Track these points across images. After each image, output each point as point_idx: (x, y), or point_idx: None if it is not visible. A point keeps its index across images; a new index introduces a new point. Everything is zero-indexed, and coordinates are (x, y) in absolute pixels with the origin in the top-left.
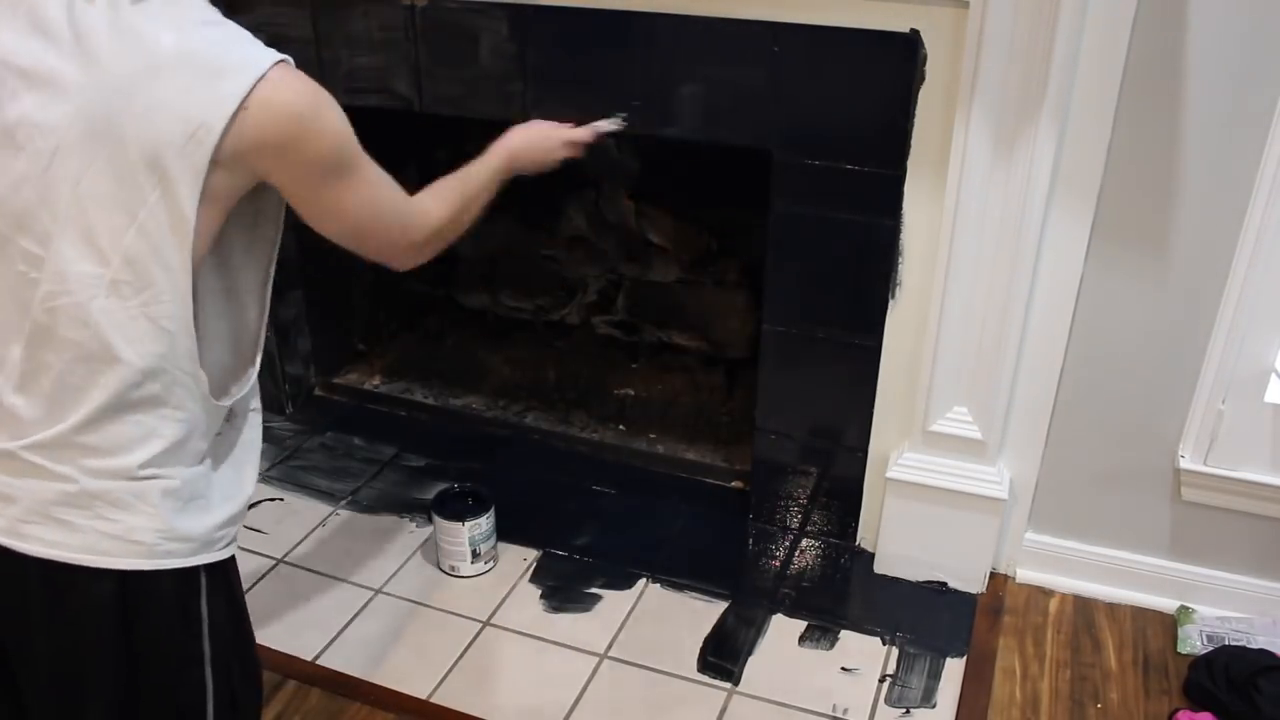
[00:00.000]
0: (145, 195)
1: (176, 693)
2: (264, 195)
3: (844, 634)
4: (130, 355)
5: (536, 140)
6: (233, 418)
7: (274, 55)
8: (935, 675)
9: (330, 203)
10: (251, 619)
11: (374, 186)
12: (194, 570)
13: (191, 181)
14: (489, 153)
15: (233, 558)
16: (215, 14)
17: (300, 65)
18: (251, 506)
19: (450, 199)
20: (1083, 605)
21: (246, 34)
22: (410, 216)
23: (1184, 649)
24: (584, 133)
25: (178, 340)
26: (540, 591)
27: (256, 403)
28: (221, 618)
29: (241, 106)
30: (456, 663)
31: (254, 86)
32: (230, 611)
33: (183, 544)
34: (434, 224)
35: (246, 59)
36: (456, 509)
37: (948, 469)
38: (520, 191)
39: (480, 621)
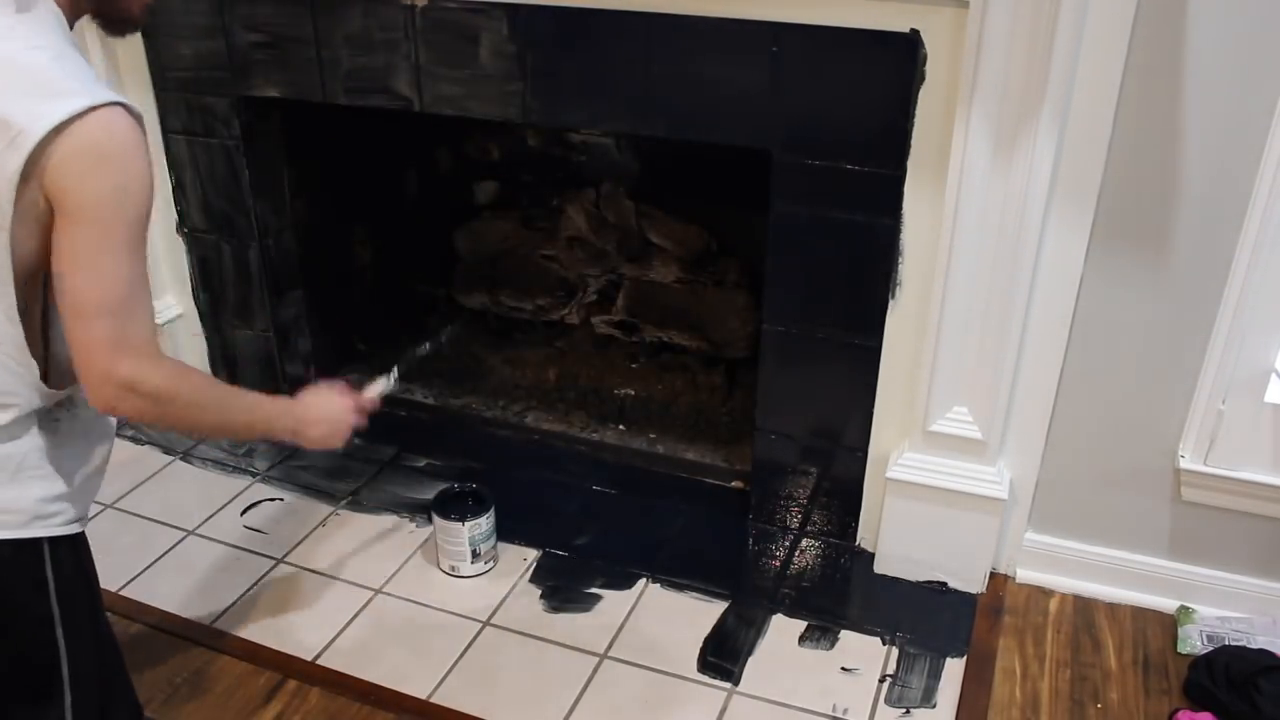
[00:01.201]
0: None
1: (29, 653)
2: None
3: (844, 634)
4: None
5: (331, 413)
6: (73, 404)
7: (114, 97)
8: (935, 675)
9: (70, 244)
10: (252, 619)
11: (118, 263)
12: (34, 540)
13: (6, 184)
14: (278, 403)
15: (82, 534)
16: (72, 48)
17: (300, 65)
18: (251, 506)
19: (197, 386)
20: (1083, 605)
21: (90, 71)
22: (137, 344)
23: (1184, 649)
24: (367, 401)
25: (3, 330)
26: (540, 591)
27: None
28: (70, 583)
29: (63, 126)
30: (456, 663)
31: (83, 113)
32: (80, 579)
33: (11, 515)
34: (155, 383)
35: (89, 90)
36: (456, 509)
37: (948, 469)
38: (520, 191)
39: (480, 621)
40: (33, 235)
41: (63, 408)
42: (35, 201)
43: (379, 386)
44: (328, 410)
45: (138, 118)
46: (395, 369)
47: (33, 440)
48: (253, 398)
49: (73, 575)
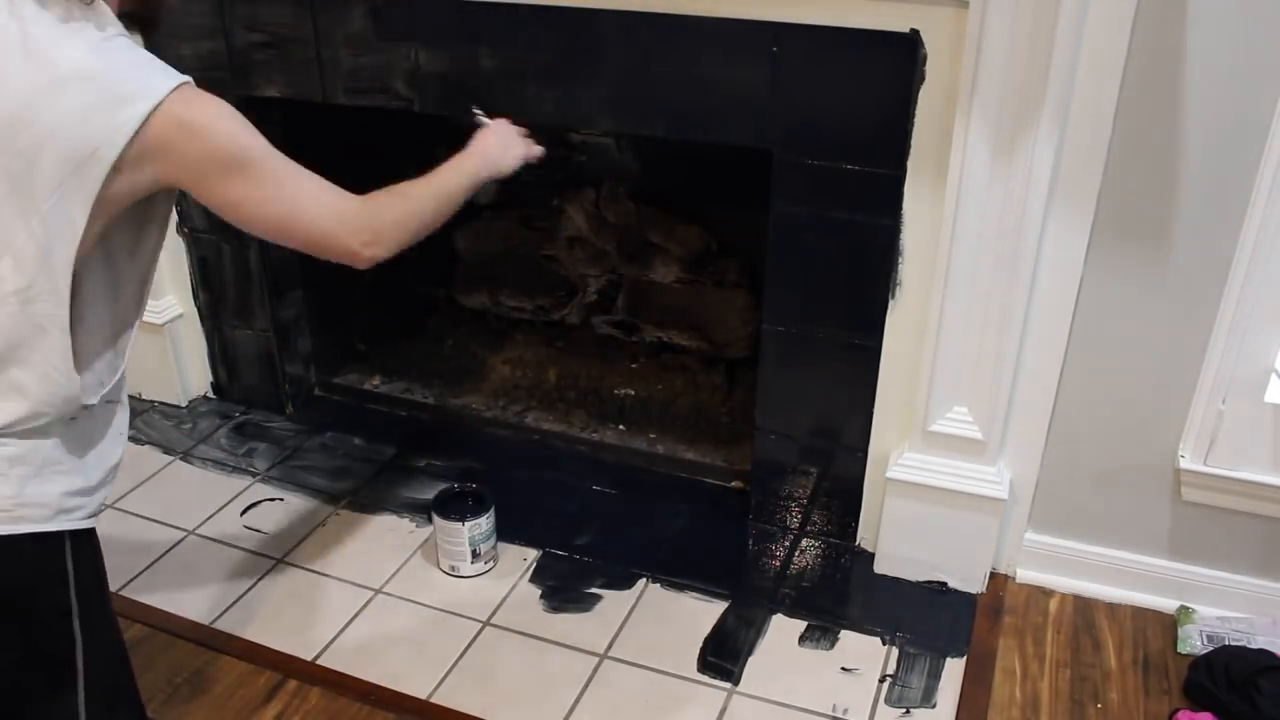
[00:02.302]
0: (39, 205)
1: (46, 644)
2: (153, 202)
3: (844, 634)
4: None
5: (506, 145)
6: (108, 402)
7: (174, 80)
8: (935, 675)
9: (234, 198)
10: (252, 619)
11: (281, 182)
12: (56, 533)
13: (85, 198)
14: (457, 158)
15: (94, 530)
16: (124, 39)
17: (300, 65)
18: (251, 506)
19: (410, 194)
20: (1083, 605)
21: (152, 58)
22: (341, 211)
23: (1184, 649)
24: (537, 149)
25: (50, 337)
26: (540, 591)
27: (124, 396)
28: (87, 576)
29: (141, 128)
30: (456, 663)
31: (151, 113)
32: (95, 573)
33: (36, 509)
34: (384, 216)
35: (148, 86)
36: (456, 509)
37: (948, 469)
38: (520, 192)
39: (480, 621)
40: (98, 222)
41: (89, 402)
42: (121, 189)
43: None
44: (502, 138)
45: (194, 86)
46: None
47: (59, 437)
48: (449, 167)
49: (90, 568)
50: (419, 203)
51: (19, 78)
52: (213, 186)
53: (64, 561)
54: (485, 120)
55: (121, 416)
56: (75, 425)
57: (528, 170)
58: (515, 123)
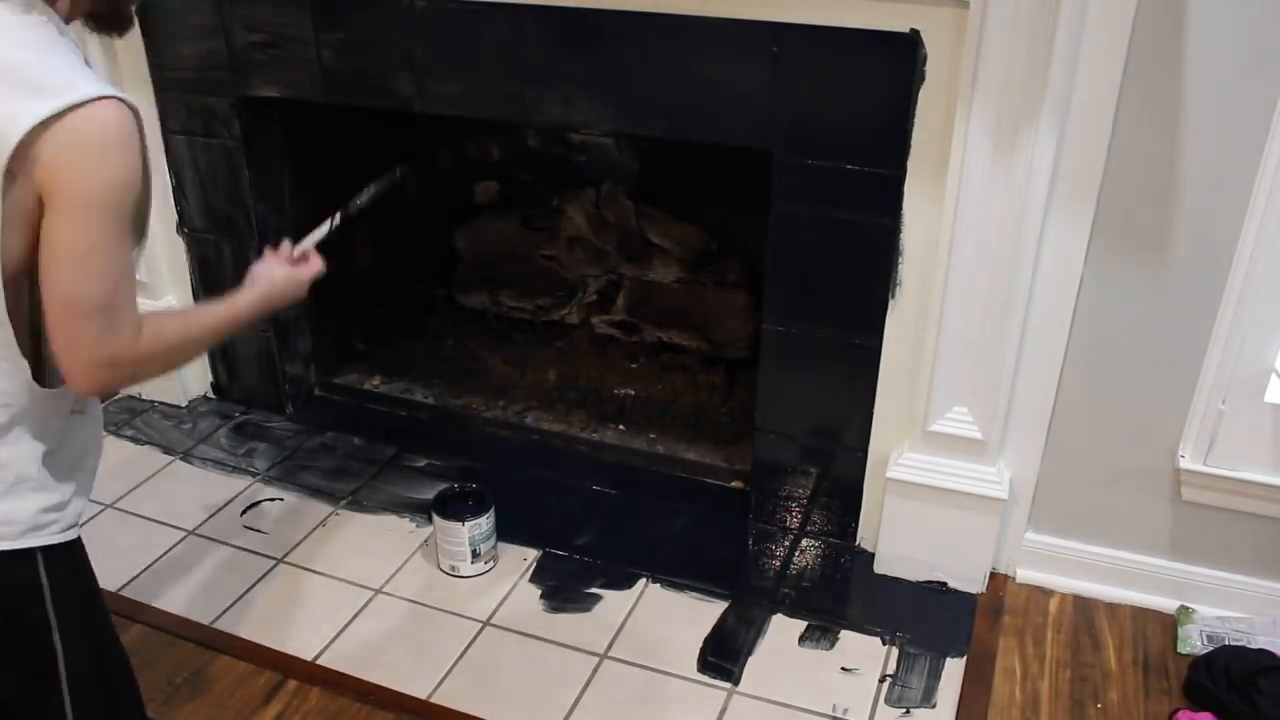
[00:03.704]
0: None
1: (27, 659)
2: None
3: (844, 634)
4: None
5: (282, 279)
6: (76, 413)
7: (104, 90)
8: (935, 675)
9: (54, 234)
10: (252, 619)
11: (110, 260)
12: (28, 549)
13: None
14: (238, 299)
15: (74, 542)
16: (67, 42)
17: (300, 65)
18: (251, 506)
19: (168, 334)
20: (1083, 605)
21: (86, 68)
22: (124, 325)
23: (1184, 649)
24: (316, 263)
25: None
26: (540, 591)
27: (93, 408)
28: (67, 588)
29: (46, 124)
30: (456, 663)
31: (67, 110)
32: (77, 584)
33: (7, 527)
34: (134, 349)
35: (75, 86)
36: (456, 509)
37: (948, 469)
38: (520, 191)
39: (480, 621)
40: (20, 234)
41: (58, 413)
42: (24, 200)
43: (318, 234)
44: (279, 279)
45: (133, 110)
46: (337, 215)
47: (30, 448)
48: (215, 312)
49: (68, 579)
50: (185, 346)
51: None
52: (55, 215)
53: (37, 576)
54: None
55: (94, 429)
56: (45, 437)
57: (530, 173)
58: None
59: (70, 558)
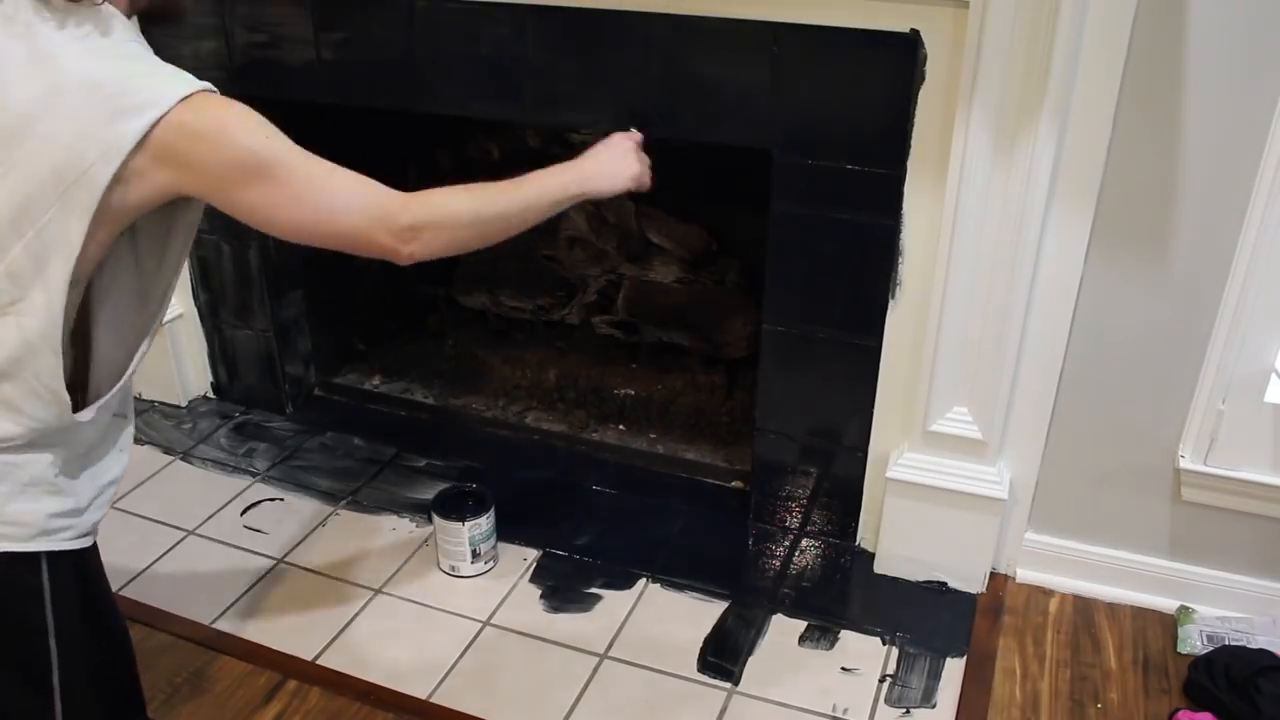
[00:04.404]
0: (36, 218)
1: (20, 662)
2: (177, 208)
3: (844, 634)
4: None
5: (619, 164)
6: (99, 422)
7: (184, 89)
8: (935, 675)
9: (256, 203)
10: (252, 619)
11: (306, 183)
12: (32, 553)
13: (83, 211)
14: (563, 166)
15: (86, 550)
16: (136, 45)
17: (300, 65)
18: (251, 506)
19: (475, 194)
20: (1083, 605)
21: (162, 65)
22: (377, 207)
23: (1184, 649)
24: (648, 180)
25: (40, 355)
26: (540, 591)
27: (129, 410)
28: (69, 594)
29: (143, 140)
30: (456, 663)
31: (154, 125)
32: (83, 592)
33: (17, 528)
34: (431, 214)
35: (154, 96)
36: (456, 509)
37: (948, 469)
38: None
39: (480, 621)
40: (105, 237)
41: (88, 429)
42: (125, 200)
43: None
44: (617, 155)
45: (209, 93)
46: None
47: (50, 454)
48: (531, 183)
49: (73, 587)
50: (481, 205)
51: (20, 90)
52: (231, 194)
53: (39, 579)
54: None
55: (127, 431)
56: (74, 441)
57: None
58: (638, 140)
59: (79, 565)
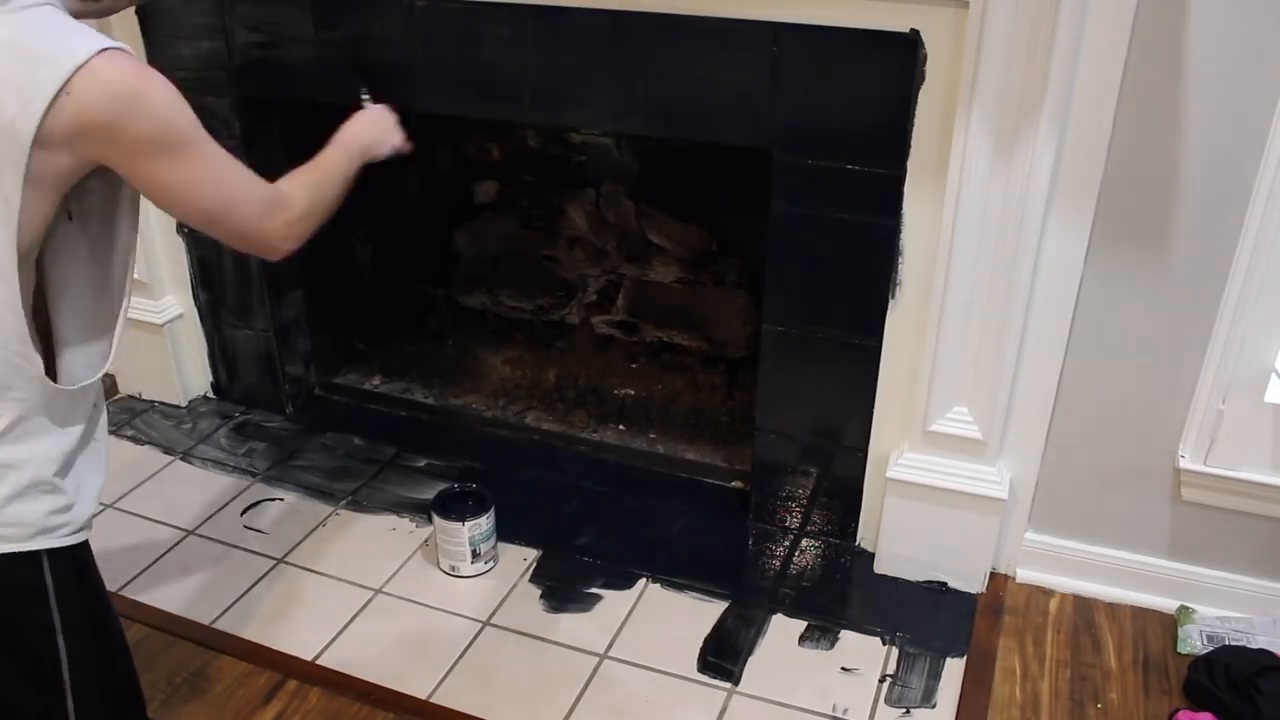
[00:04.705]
0: None
1: (30, 661)
2: (116, 192)
3: (844, 634)
4: None
5: (383, 130)
6: (77, 410)
7: (100, 43)
8: (935, 675)
9: (165, 181)
10: (252, 619)
11: (214, 167)
12: (33, 553)
13: (13, 168)
14: (339, 142)
15: (81, 545)
16: (50, 7)
17: (300, 65)
18: (251, 506)
19: (309, 182)
20: (1083, 605)
21: (78, 24)
22: (268, 200)
23: (1184, 649)
24: (406, 144)
25: (4, 321)
26: (540, 591)
27: (101, 399)
28: (70, 589)
29: (62, 92)
30: (456, 663)
31: (73, 74)
32: (82, 586)
33: (16, 529)
34: (298, 207)
35: (69, 48)
36: (456, 509)
37: (948, 469)
38: (520, 191)
39: (480, 621)
40: (45, 200)
41: (72, 411)
42: (57, 164)
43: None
44: (377, 123)
45: (128, 53)
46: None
47: (44, 448)
48: (330, 153)
49: (73, 581)
50: (322, 190)
51: None
52: (143, 164)
53: (42, 578)
54: (368, 103)
55: (102, 420)
56: (59, 437)
57: (530, 173)
58: (392, 110)
59: (76, 560)
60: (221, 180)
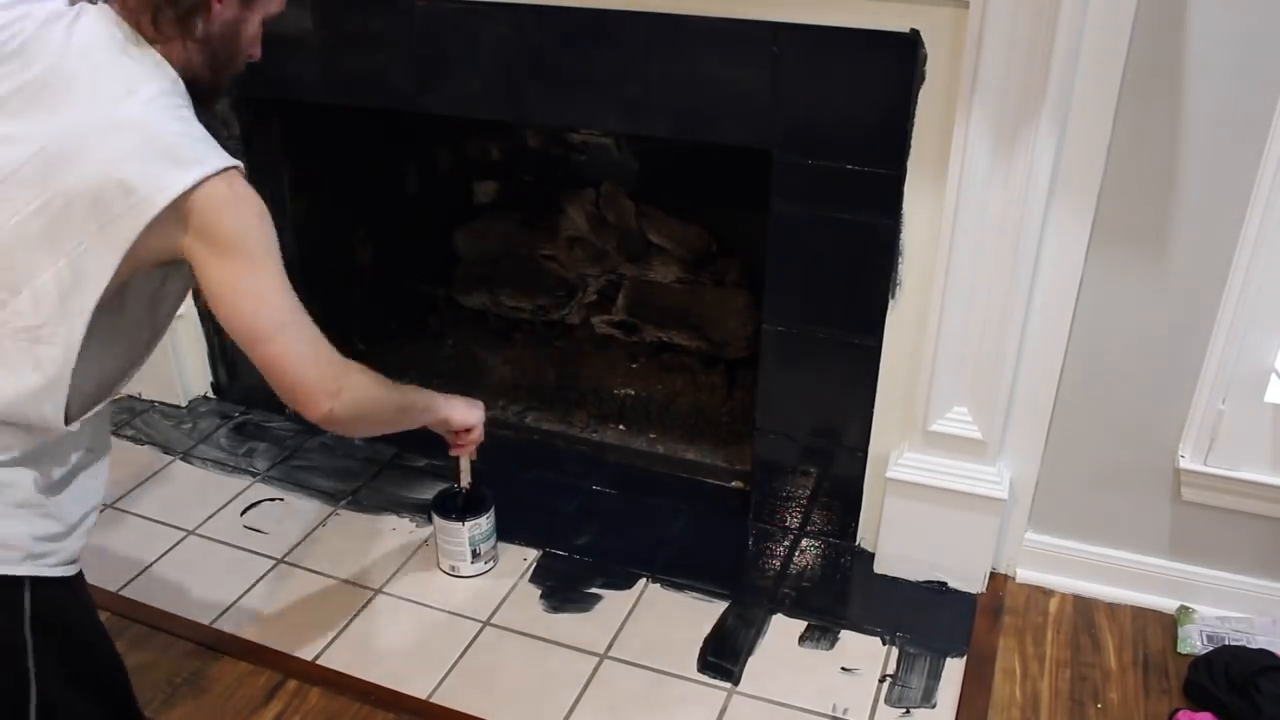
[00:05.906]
0: (69, 246)
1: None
2: (169, 279)
3: (844, 634)
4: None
5: (468, 410)
6: (90, 451)
7: (229, 160)
8: (935, 675)
9: (234, 280)
10: (252, 619)
11: (280, 294)
12: (16, 578)
13: (120, 244)
14: (432, 393)
15: (72, 579)
16: (187, 109)
17: (300, 65)
18: (251, 506)
19: (385, 382)
20: (1083, 605)
21: (209, 135)
22: (324, 354)
23: (1184, 649)
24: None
25: (52, 385)
26: (540, 591)
27: (107, 443)
28: (49, 614)
29: (185, 195)
30: (456, 663)
31: (200, 183)
32: (64, 614)
33: (3, 550)
34: (355, 381)
35: (205, 157)
36: (456, 509)
37: (948, 469)
38: (520, 191)
39: (480, 621)
40: (122, 274)
41: (74, 447)
42: (156, 247)
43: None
44: (469, 409)
45: (245, 174)
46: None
47: (39, 474)
48: (417, 394)
49: (54, 608)
50: (388, 394)
51: (80, 115)
52: (217, 261)
53: (21, 595)
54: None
55: (104, 462)
56: (61, 459)
57: (530, 173)
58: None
59: (65, 589)
60: (280, 307)
